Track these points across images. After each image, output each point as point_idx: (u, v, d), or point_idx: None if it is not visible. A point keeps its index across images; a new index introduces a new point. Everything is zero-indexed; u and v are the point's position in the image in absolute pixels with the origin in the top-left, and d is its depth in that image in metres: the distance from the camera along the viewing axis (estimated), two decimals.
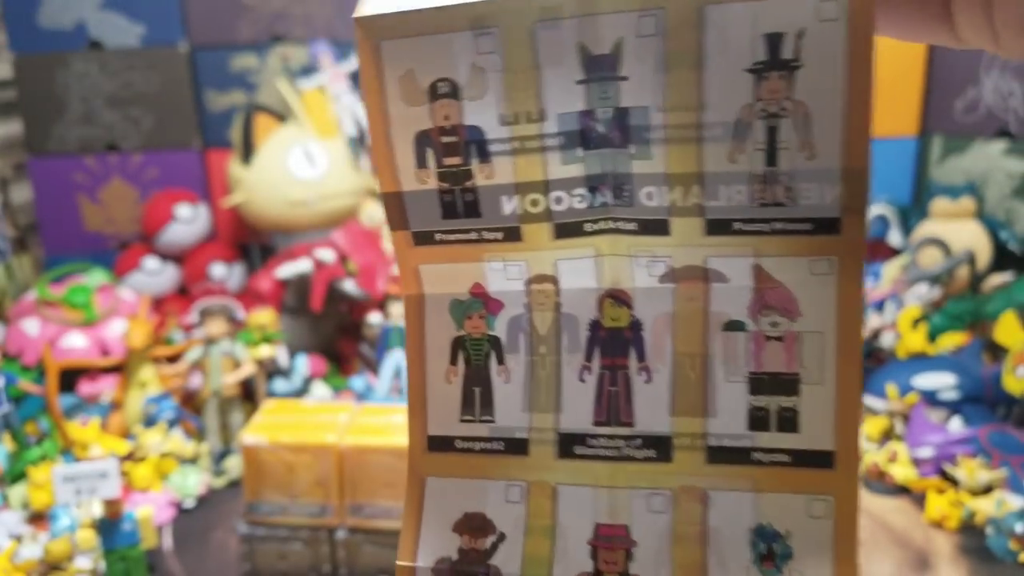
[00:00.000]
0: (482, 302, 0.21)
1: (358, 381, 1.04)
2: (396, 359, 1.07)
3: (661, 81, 0.18)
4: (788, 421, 0.19)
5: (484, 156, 0.19)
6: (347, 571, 0.81)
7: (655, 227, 0.19)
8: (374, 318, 1.07)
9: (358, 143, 1.14)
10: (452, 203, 0.20)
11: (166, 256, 1.20)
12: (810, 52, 0.18)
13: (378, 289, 1.07)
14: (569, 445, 0.21)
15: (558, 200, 0.20)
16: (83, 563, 0.82)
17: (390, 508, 0.79)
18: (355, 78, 1.13)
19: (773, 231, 0.19)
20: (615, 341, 0.20)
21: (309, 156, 1.11)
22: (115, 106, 1.17)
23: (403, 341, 1.07)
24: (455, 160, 0.19)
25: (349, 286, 1.08)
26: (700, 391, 0.20)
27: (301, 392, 1.04)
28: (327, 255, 1.07)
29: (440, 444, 0.21)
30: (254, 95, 1.16)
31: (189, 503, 0.91)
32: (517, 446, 0.21)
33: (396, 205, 0.20)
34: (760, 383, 0.19)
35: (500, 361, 0.21)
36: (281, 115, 1.13)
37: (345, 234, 1.12)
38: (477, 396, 0.21)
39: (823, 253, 0.19)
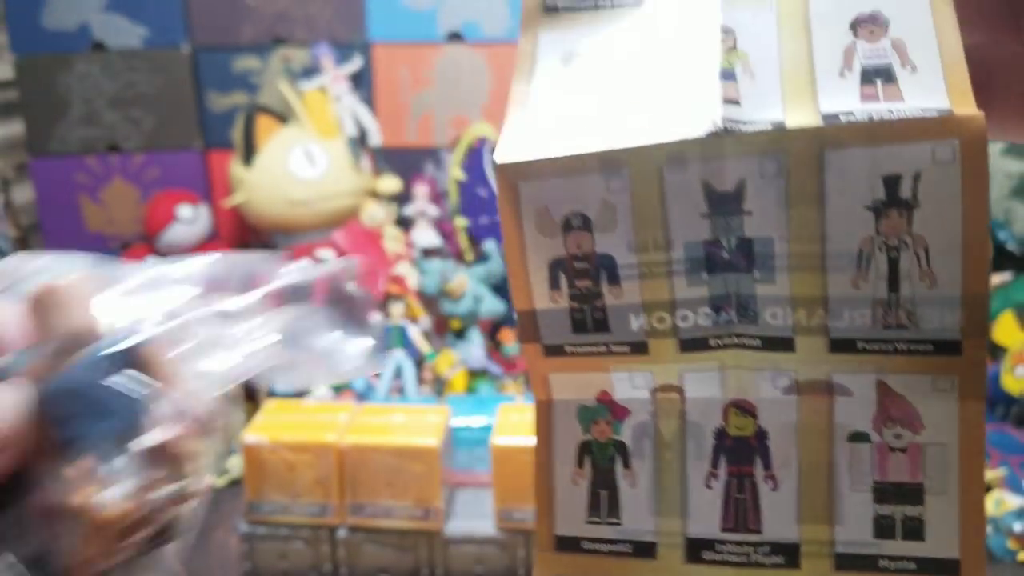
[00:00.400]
0: (608, 408, 0.21)
1: (359, 381, 1.04)
2: (396, 359, 1.08)
3: (783, 215, 0.19)
4: (914, 530, 0.20)
5: (613, 279, 0.20)
6: (347, 570, 0.81)
7: (779, 344, 0.20)
8: (374, 319, 1.07)
9: (358, 144, 1.15)
10: (582, 319, 0.21)
11: (167, 256, 1.20)
12: (927, 192, 0.18)
13: (378, 289, 1.08)
14: (697, 550, 0.21)
15: (684, 318, 0.20)
16: None
17: (390, 507, 0.79)
18: (355, 80, 1.14)
19: (896, 351, 0.19)
20: (741, 449, 0.21)
21: (310, 156, 1.12)
22: (117, 107, 1.17)
23: (403, 341, 1.07)
24: (586, 283, 0.20)
25: (350, 286, 1.08)
26: (826, 499, 0.20)
27: (302, 392, 1.05)
28: (327, 257, 1.08)
29: (567, 545, 0.22)
30: (255, 96, 1.17)
31: None
32: (645, 549, 0.21)
33: (529, 321, 0.21)
34: (885, 492, 0.20)
35: (626, 465, 0.22)
36: (282, 116, 1.14)
37: (345, 234, 1.12)
38: (604, 499, 0.22)
39: (945, 372, 0.19)
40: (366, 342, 0.22)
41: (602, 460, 0.22)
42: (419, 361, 1.09)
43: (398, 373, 1.07)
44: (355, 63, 1.13)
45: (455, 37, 1.12)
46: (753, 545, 0.21)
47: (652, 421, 0.21)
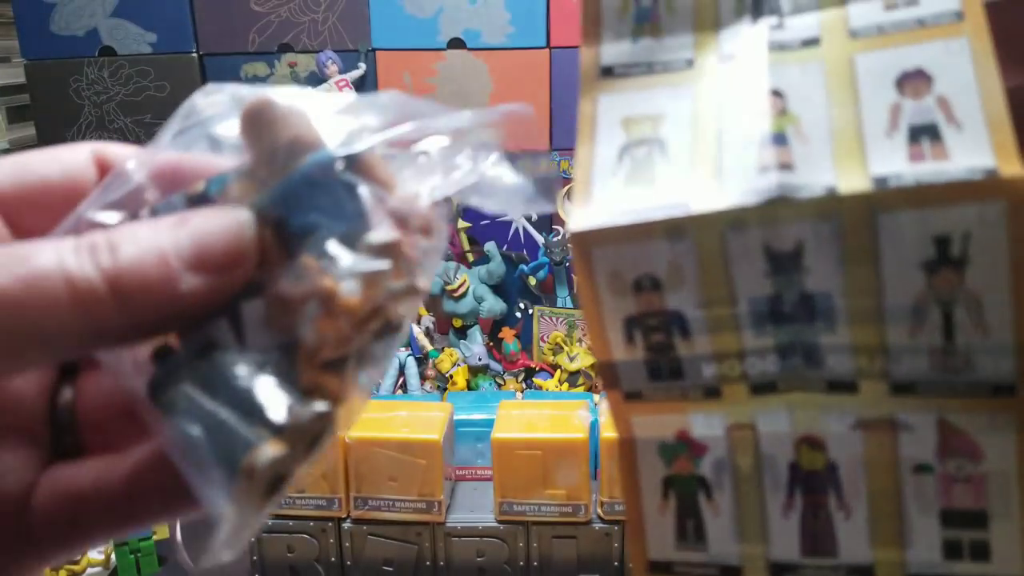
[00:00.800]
0: (687, 445, 0.23)
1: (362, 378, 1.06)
2: (400, 357, 1.10)
3: (840, 273, 0.20)
4: (980, 551, 0.21)
5: (685, 333, 0.22)
6: (353, 562, 0.83)
7: (843, 387, 0.21)
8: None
9: None
10: (658, 369, 0.22)
11: None
12: (976, 250, 0.19)
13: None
14: (780, 573, 0.23)
15: (752, 365, 0.22)
16: (95, 555, 0.84)
17: (394, 500, 0.81)
18: (359, 85, 1.16)
19: (955, 394, 0.21)
20: (814, 481, 0.22)
21: None
22: (127, 112, 1.19)
23: (407, 339, 1.09)
24: (659, 337, 0.22)
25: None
26: (896, 525, 0.22)
27: None
28: None
29: (660, 568, 0.24)
30: None
31: None
32: (731, 572, 0.23)
33: (609, 370, 0.23)
34: (951, 517, 0.21)
35: (709, 497, 0.23)
36: None
37: None
38: (690, 527, 0.23)
39: (1002, 410, 0.21)
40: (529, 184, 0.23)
41: (686, 493, 0.23)
42: (422, 359, 1.11)
43: (401, 370, 1.09)
44: (360, 69, 1.15)
45: (457, 44, 1.14)
46: (831, 568, 0.22)
47: (729, 456, 0.22)
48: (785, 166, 0.20)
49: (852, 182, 0.20)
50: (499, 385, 1.12)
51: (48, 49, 1.19)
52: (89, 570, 0.83)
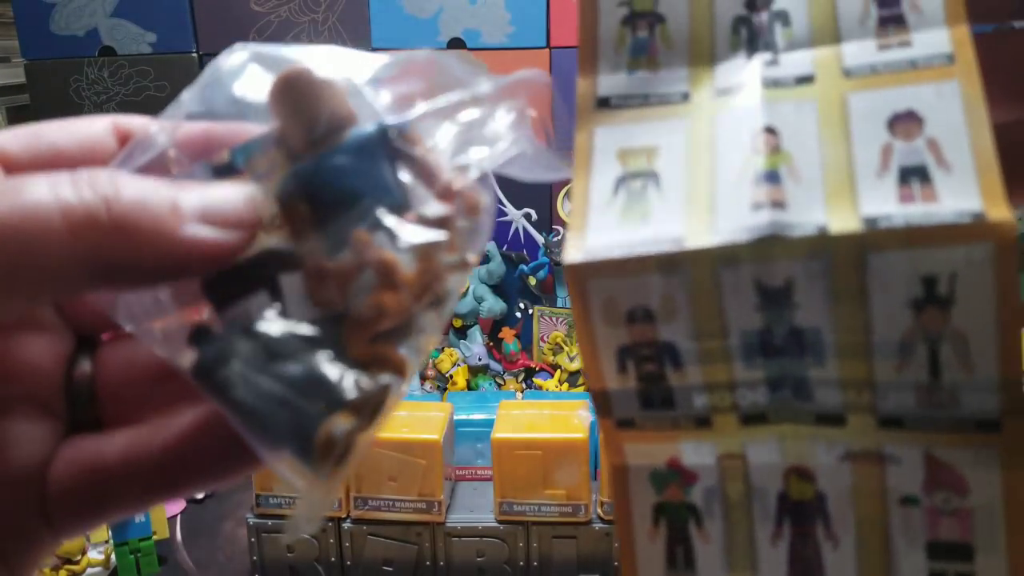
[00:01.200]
0: (678, 473, 0.23)
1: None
2: None
3: (830, 309, 0.21)
4: None
5: (677, 364, 0.22)
6: (353, 562, 0.83)
7: (832, 420, 0.22)
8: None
9: None
10: (650, 398, 0.23)
11: None
12: (963, 290, 0.20)
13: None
14: None
15: (743, 396, 0.22)
16: (95, 555, 0.84)
17: (394, 500, 0.81)
18: None
19: (940, 428, 0.21)
20: (803, 511, 0.22)
21: None
22: (127, 111, 1.19)
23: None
24: (651, 367, 0.22)
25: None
26: (883, 557, 0.22)
27: None
28: None
29: None
30: None
31: (199, 495, 0.93)
32: None
33: (602, 398, 0.23)
34: (937, 550, 0.22)
35: (699, 525, 0.23)
36: None
37: None
38: (680, 555, 0.23)
39: (987, 446, 0.21)
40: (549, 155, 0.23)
41: (676, 520, 0.23)
42: None
43: None
44: None
45: (457, 44, 1.14)
46: None
47: (719, 485, 0.23)
48: (777, 204, 0.21)
49: (843, 222, 0.20)
50: (499, 385, 1.12)
51: (48, 49, 1.19)
52: (89, 570, 0.83)
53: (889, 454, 0.21)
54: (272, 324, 0.19)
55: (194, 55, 1.18)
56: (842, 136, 0.22)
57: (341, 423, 0.18)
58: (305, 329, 0.19)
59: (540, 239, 1.16)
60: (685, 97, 0.23)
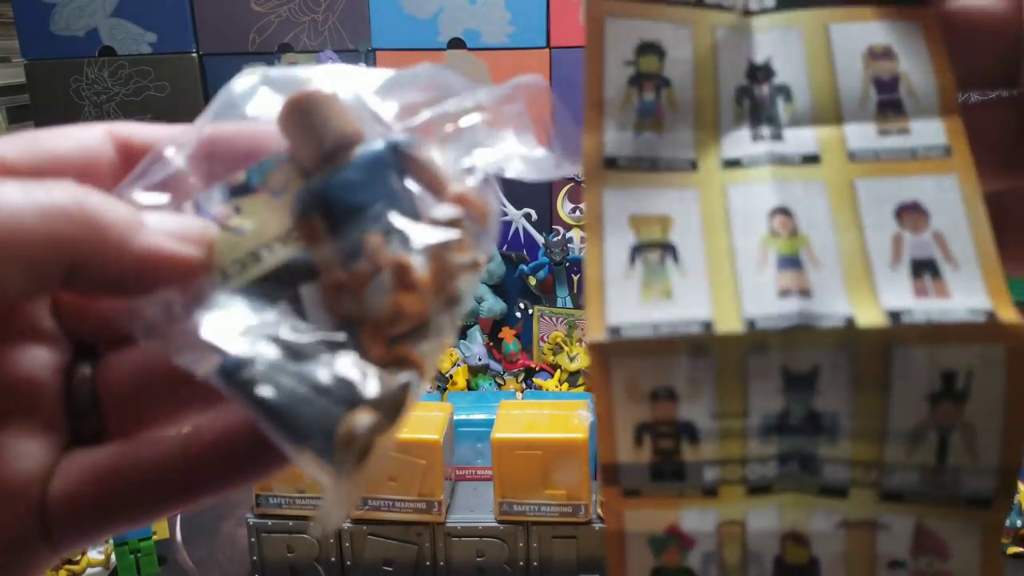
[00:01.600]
0: (677, 538, 0.23)
1: None
2: None
3: (851, 398, 0.21)
4: None
5: (694, 440, 0.22)
6: (353, 562, 0.83)
7: (835, 492, 0.22)
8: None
9: None
10: (661, 471, 0.23)
11: None
12: (977, 386, 0.21)
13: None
14: None
15: (753, 470, 0.22)
16: (95, 555, 0.84)
17: (394, 500, 0.81)
18: None
19: (935, 503, 0.22)
20: (796, 575, 0.23)
21: None
22: (127, 112, 1.20)
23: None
24: (668, 443, 0.22)
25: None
26: None
27: None
28: None
29: None
30: None
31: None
32: None
33: (611, 470, 0.23)
34: None
35: None
36: None
37: None
38: None
39: (974, 519, 0.22)
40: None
41: None
42: None
43: None
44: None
45: (457, 44, 1.14)
46: None
47: (717, 550, 0.23)
48: (804, 292, 0.21)
49: (868, 315, 0.21)
50: (499, 385, 1.12)
51: (48, 49, 1.19)
52: (89, 570, 0.83)
53: (882, 522, 0.22)
54: (294, 331, 0.19)
55: (194, 55, 1.18)
56: (854, 222, 0.22)
57: (362, 419, 0.18)
58: (326, 335, 0.19)
59: (540, 239, 1.16)
60: (693, 165, 0.23)
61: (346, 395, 0.18)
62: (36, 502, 0.20)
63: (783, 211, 0.22)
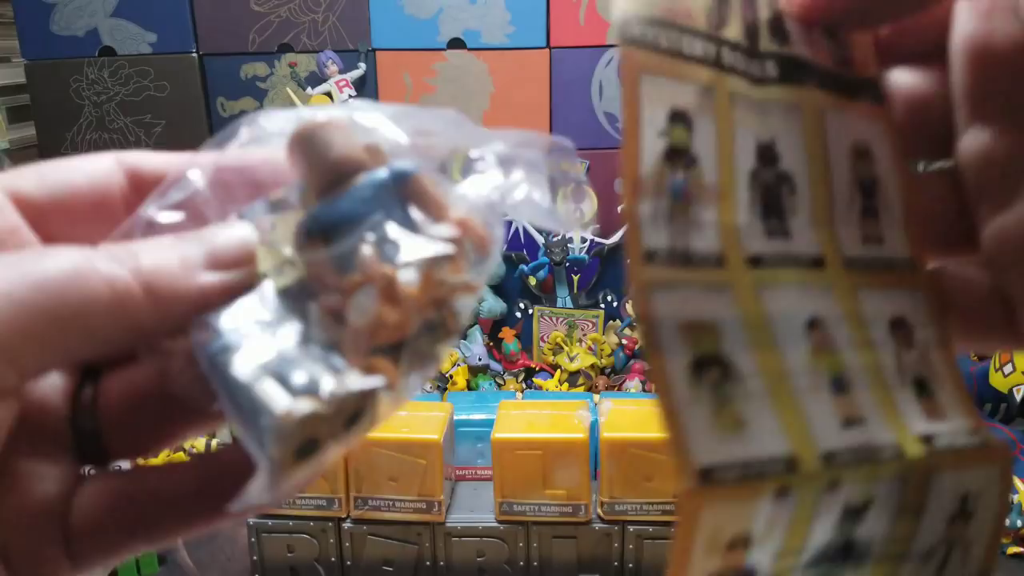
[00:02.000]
0: None
1: None
2: None
3: (890, 525, 0.22)
4: None
5: None
6: (353, 562, 0.83)
7: None
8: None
9: None
10: None
11: None
12: (979, 505, 0.23)
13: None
14: None
15: None
16: None
17: (394, 500, 0.81)
18: (359, 85, 1.16)
19: None
20: None
21: None
22: (127, 112, 1.20)
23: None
24: None
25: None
26: None
27: None
28: None
29: None
30: (264, 102, 1.19)
31: None
32: None
33: None
34: None
35: None
36: None
37: None
38: None
39: None
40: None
41: None
42: None
43: None
44: (360, 69, 1.16)
45: (457, 44, 1.14)
46: None
47: None
48: (859, 421, 0.22)
49: (909, 443, 0.22)
50: (499, 385, 1.12)
51: (48, 49, 1.19)
52: None
53: None
54: (290, 331, 0.20)
55: (194, 55, 1.18)
56: (866, 339, 0.23)
57: (302, 405, 0.18)
58: (318, 344, 0.20)
59: (540, 239, 1.16)
60: (719, 261, 0.22)
61: (304, 388, 0.19)
62: (58, 524, 0.20)
63: (817, 324, 0.22)
